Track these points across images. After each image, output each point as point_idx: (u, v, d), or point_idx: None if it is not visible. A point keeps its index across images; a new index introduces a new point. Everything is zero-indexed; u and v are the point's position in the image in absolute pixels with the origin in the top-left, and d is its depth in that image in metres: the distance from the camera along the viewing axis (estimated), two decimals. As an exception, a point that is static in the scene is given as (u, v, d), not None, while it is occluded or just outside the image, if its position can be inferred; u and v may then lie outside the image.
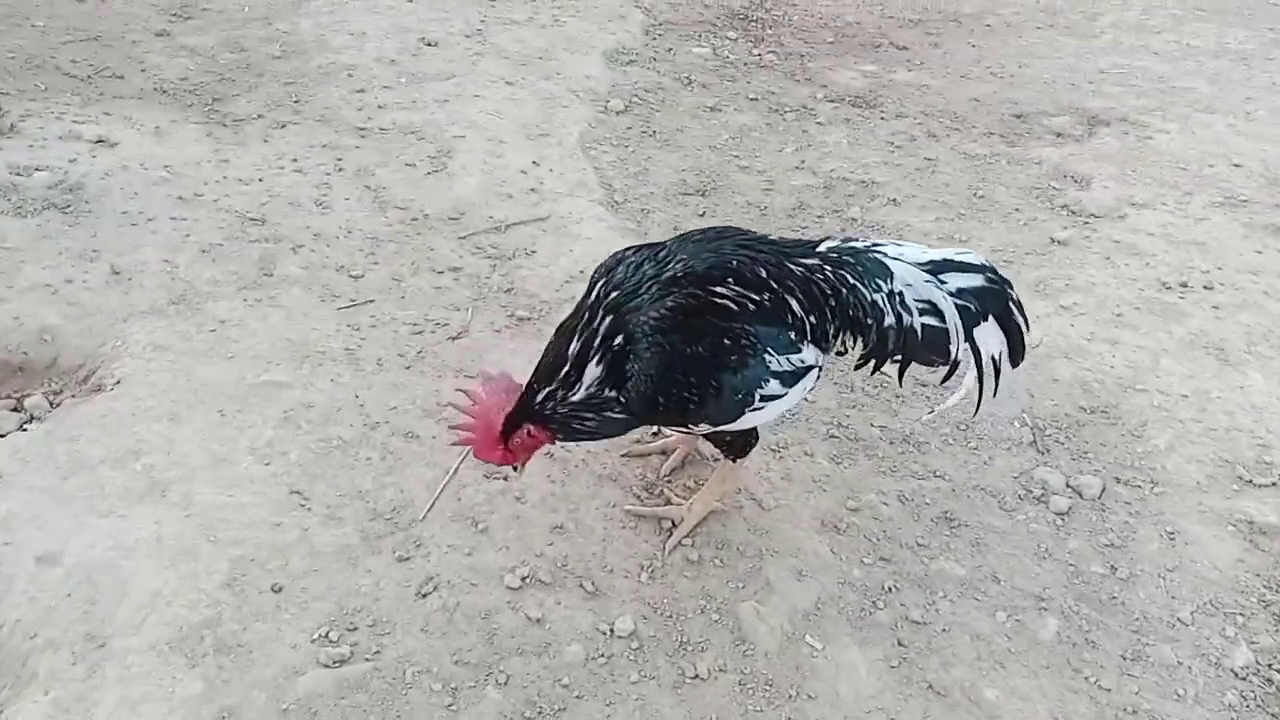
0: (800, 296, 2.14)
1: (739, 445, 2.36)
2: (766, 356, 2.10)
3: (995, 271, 2.28)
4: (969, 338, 2.21)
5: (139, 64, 4.78)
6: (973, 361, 2.23)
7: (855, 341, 2.23)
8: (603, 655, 2.16)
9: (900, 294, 2.18)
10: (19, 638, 2.02)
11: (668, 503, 2.53)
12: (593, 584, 2.32)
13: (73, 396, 2.75)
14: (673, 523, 2.46)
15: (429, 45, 5.29)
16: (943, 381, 2.35)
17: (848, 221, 4.00)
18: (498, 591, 2.27)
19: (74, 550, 2.17)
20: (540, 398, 2.08)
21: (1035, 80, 5.42)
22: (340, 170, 4.00)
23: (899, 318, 2.18)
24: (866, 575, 2.43)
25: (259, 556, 2.24)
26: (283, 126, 4.32)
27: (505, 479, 2.54)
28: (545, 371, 2.10)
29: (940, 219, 4.05)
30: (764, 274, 2.12)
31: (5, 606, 2.07)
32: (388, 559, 2.31)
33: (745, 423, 2.20)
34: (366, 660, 2.06)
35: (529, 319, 3.25)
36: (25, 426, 2.65)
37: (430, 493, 2.50)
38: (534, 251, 3.60)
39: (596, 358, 2.04)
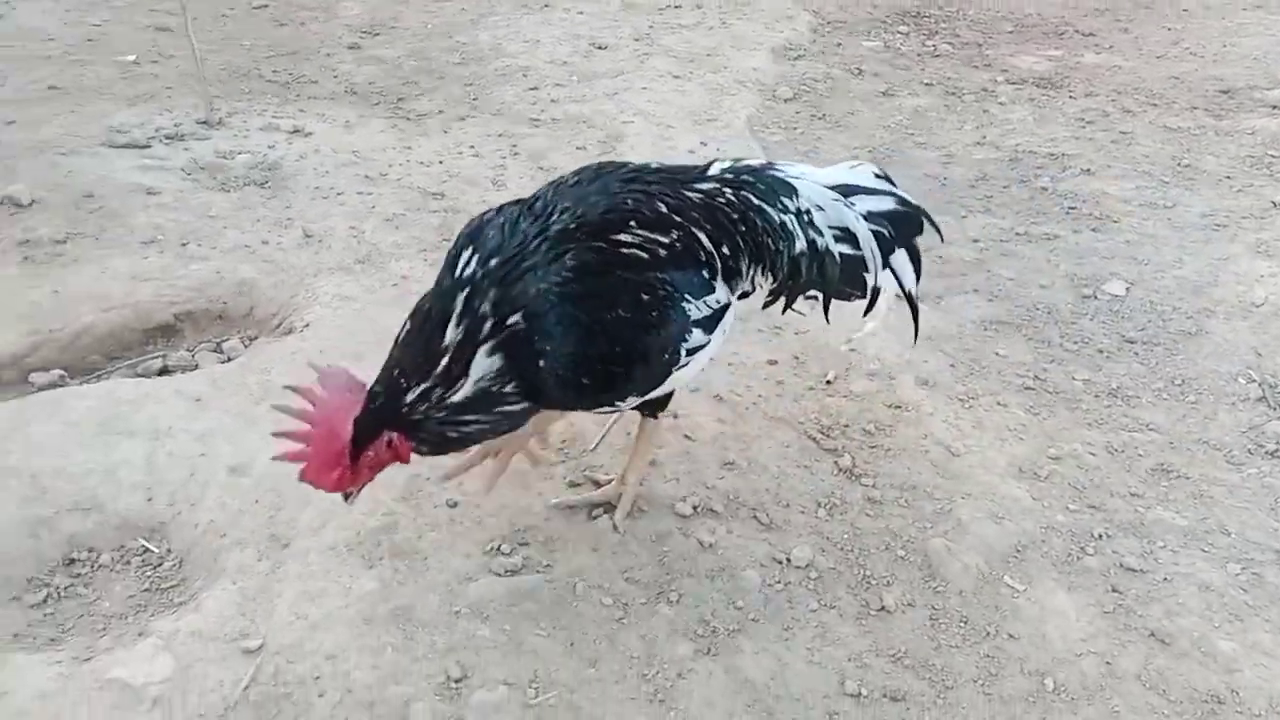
0: (708, 227, 1.83)
1: (662, 401, 2.03)
2: (685, 305, 1.79)
3: (895, 189, 2.03)
4: (886, 266, 1.98)
5: (332, 72, 5.10)
6: (891, 294, 2.00)
7: (765, 275, 1.93)
8: (779, 582, 2.03)
9: (809, 214, 1.90)
10: (211, 536, 2.08)
11: (595, 485, 2.22)
12: (767, 516, 2.20)
13: (265, 338, 2.87)
14: (610, 504, 2.15)
15: (599, 49, 5.40)
16: (865, 314, 2.05)
17: (1037, 191, 3.76)
18: (668, 518, 2.18)
19: (261, 463, 2.24)
20: (411, 398, 1.65)
21: (1243, 58, 5.01)
22: (515, 154, 4.10)
23: (811, 243, 1.89)
24: (1073, 521, 2.20)
25: (434, 474, 2.24)
26: (461, 120, 4.48)
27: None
28: (413, 365, 1.66)
29: (1141, 187, 3.75)
30: (664, 208, 1.79)
31: (200, 510, 2.14)
32: (559, 484, 2.27)
33: (672, 383, 1.89)
34: (538, 572, 2.01)
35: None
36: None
37: (599, 427, 2.45)
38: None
39: (489, 345, 1.65)
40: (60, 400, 2.40)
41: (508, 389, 1.70)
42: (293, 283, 3.06)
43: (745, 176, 1.90)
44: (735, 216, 1.85)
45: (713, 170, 1.93)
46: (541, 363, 1.67)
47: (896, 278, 1.97)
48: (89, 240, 3.20)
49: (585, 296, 1.67)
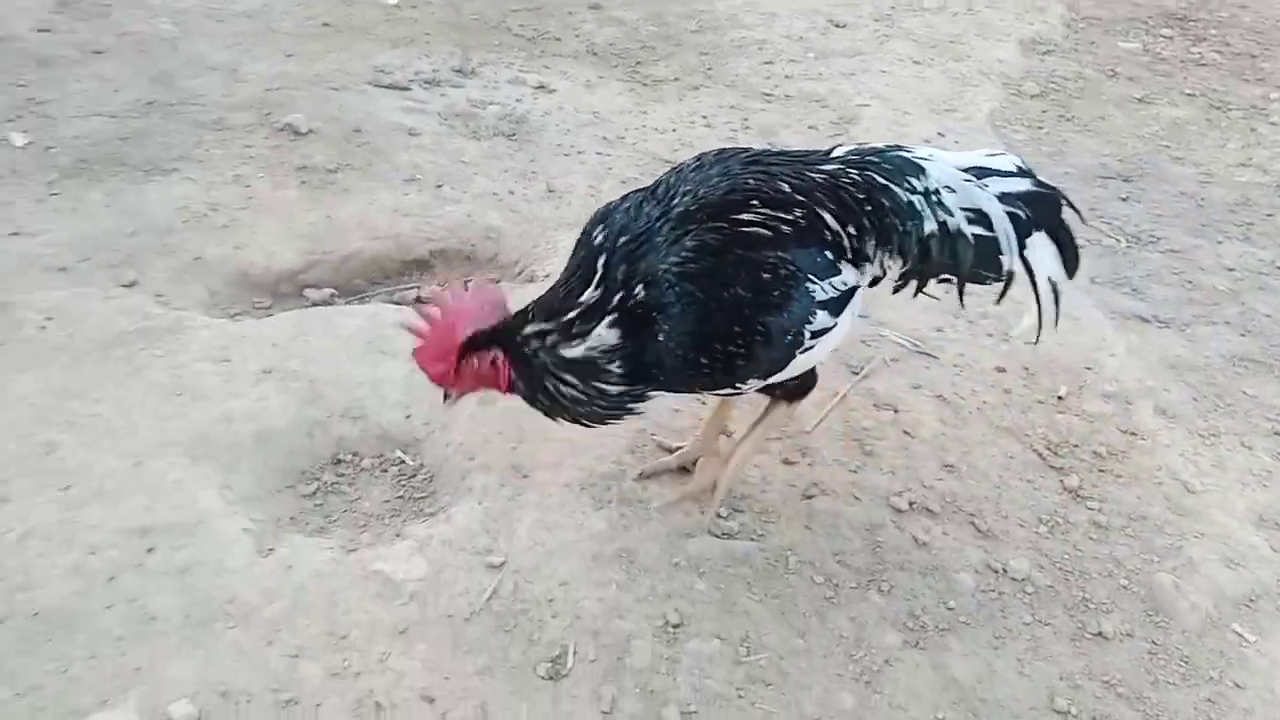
0: (832, 207, 1.80)
1: (797, 386, 2.00)
2: (809, 285, 1.77)
3: (1036, 176, 1.90)
4: (1021, 250, 1.85)
5: (574, 30, 5.27)
6: (1030, 283, 1.87)
7: (894, 257, 1.87)
8: (993, 590, 2.04)
9: (938, 194, 1.82)
10: (460, 458, 2.28)
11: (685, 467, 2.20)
12: (984, 524, 2.20)
13: (508, 284, 3.07)
14: (711, 489, 2.12)
15: (837, 26, 5.35)
16: (998, 300, 1.93)
17: (1311, 223, 3.49)
18: (882, 510, 2.22)
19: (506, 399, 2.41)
20: (530, 330, 1.74)
21: None
22: (746, 128, 4.15)
23: (942, 224, 1.81)
24: (1319, 580, 2.09)
25: (660, 433, 2.36)
26: (696, 89, 4.56)
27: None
28: (548, 306, 1.75)
29: None
30: (788, 188, 1.78)
31: (450, 432, 2.34)
32: (774, 460, 2.34)
33: (796, 367, 1.86)
34: (752, 540, 2.10)
35: (925, 274, 3.16)
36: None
37: (817, 410, 2.50)
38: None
39: (611, 318, 1.70)
40: (332, 317, 2.66)
41: (612, 366, 1.74)
42: (535, 233, 3.24)
43: (870, 158, 1.87)
44: (861, 196, 1.82)
45: (837, 152, 1.91)
46: (660, 339, 1.70)
47: (1029, 265, 1.87)
48: (356, 172, 3.48)
49: (704, 275, 1.70)
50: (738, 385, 1.85)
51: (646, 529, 2.10)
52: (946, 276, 1.89)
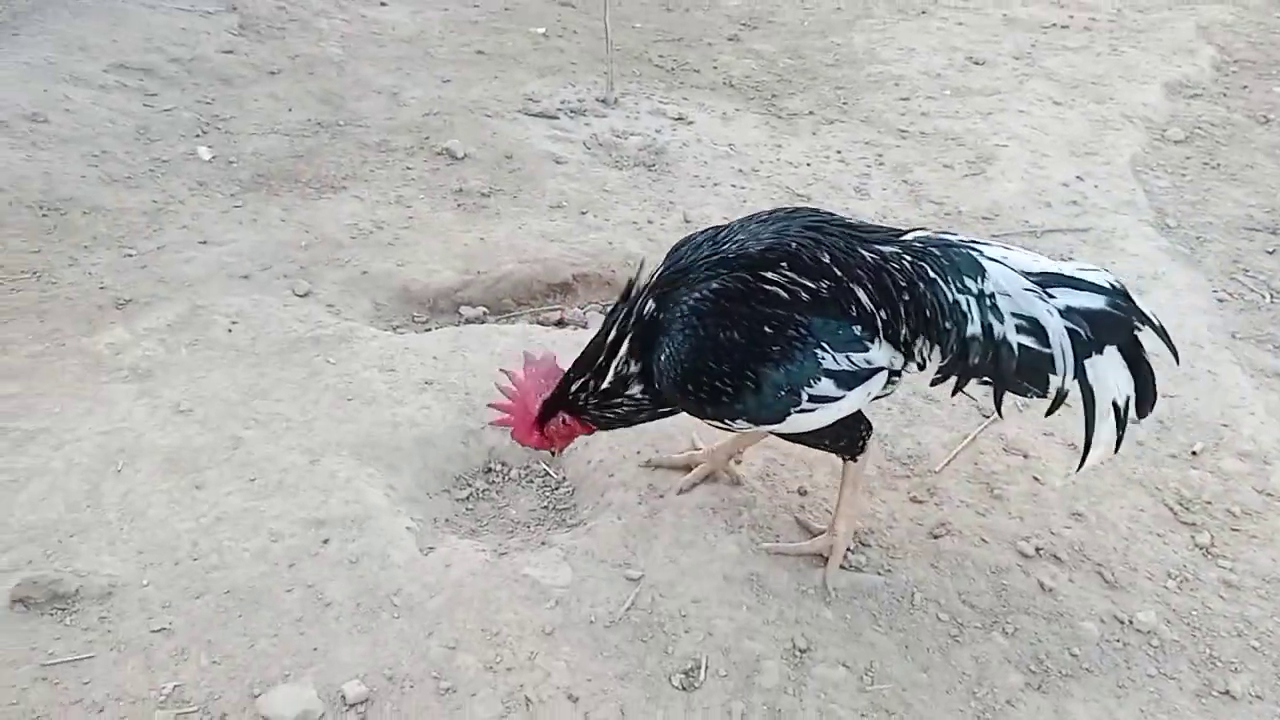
0: (869, 287, 1.82)
1: (841, 443, 2.04)
2: (819, 352, 1.82)
3: (1126, 298, 1.79)
4: (1080, 371, 1.76)
5: (712, 62, 5.42)
6: (1088, 403, 1.78)
7: (932, 350, 1.86)
8: (1118, 641, 2.06)
9: (992, 298, 1.78)
10: (600, 474, 2.42)
11: (809, 533, 2.25)
12: (1111, 574, 2.22)
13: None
14: (823, 556, 2.16)
15: (976, 64, 5.35)
16: (1047, 414, 1.87)
17: None
18: (1009, 554, 2.26)
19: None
20: (574, 388, 2.00)
21: None
22: (880, 164, 4.21)
23: (987, 328, 1.78)
24: None
25: (788, 463, 2.46)
26: (830, 123, 4.64)
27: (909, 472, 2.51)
28: (583, 360, 2.00)
29: None
30: (826, 259, 1.83)
31: (591, 449, 2.49)
32: (902, 497, 2.40)
33: (793, 425, 1.91)
34: (879, 575, 2.17)
35: (1059, 320, 3.16)
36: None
37: (946, 451, 2.56)
38: (1071, 258, 3.49)
39: (629, 340, 1.92)
40: (487, 334, 2.85)
41: (633, 390, 1.98)
42: (672, 260, 3.38)
43: (934, 249, 1.85)
44: (903, 284, 1.83)
45: (909, 236, 1.90)
46: (660, 362, 1.87)
47: (1088, 386, 1.79)
48: (508, 197, 3.70)
49: (712, 315, 1.83)
50: (726, 421, 1.94)
51: (775, 556, 2.20)
52: (988, 380, 1.87)
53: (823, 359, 1.83)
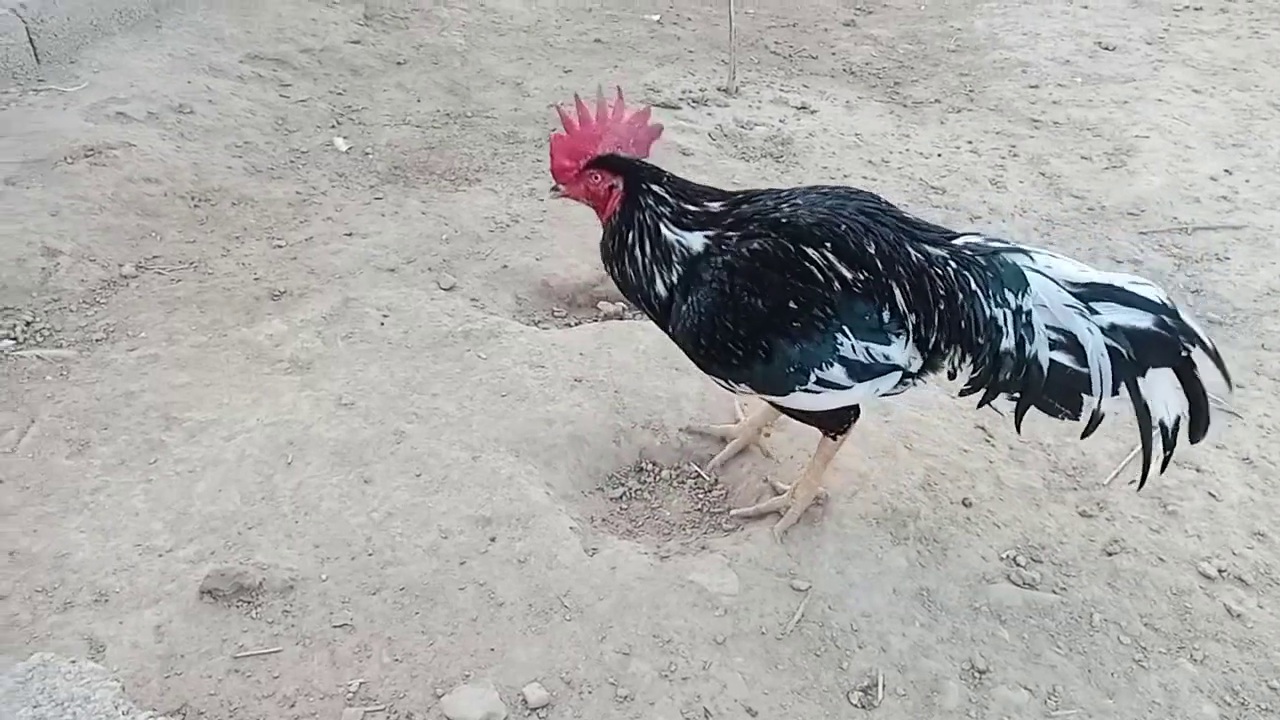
0: (907, 287, 1.77)
1: (833, 424, 2.03)
2: (839, 336, 1.78)
3: (1177, 317, 1.68)
4: (1134, 389, 1.69)
5: (830, 48, 5.32)
6: (1144, 420, 1.71)
7: (965, 360, 1.82)
8: (1318, 673, 1.96)
9: (1029, 314, 1.73)
10: (754, 478, 2.40)
11: (773, 492, 2.25)
12: (1303, 600, 2.11)
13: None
14: (778, 512, 2.18)
15: (1105, 49, 5.15)
16: (1083, 435, 1.79)
17: None
18: (1190, 575, 2.17)
19: (796, 422, 2.52)
20: (655, 188, 1.82)
21: None
22: (1014, 156, 4.08)
23: (1020, 343, 1.73)
24: None
25: (949, 472, 2.40)
26: (958, 111, 4.51)
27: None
28: (681, 186, 1.86)
29: None
30: (871, 250, 1.77)
31: (744, 453, 2.46)
32: (1070, 510, 2.33)
33: (797, 402, 1.88)
34: (1054, 594, 2.11)
35: (1220, 323, 3.03)
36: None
37: (1113, 462, 2.47)
38: (1226, 258, 3.35)
39: (706, 237, 1.82)
40: (631, 331, 2.84)
41: (673, 274, 1.86)
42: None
43: (981, 257, 1.80)
44: (942, 292, 1.78)
45: (959, 240, 1.84)
46: (684, 305, 1.82)
47: (1143, 403, 1.74)
48: (637, 188, 3.67)
49: (744, 275, 1.78)
50: (728, 380, 1.92)
51: (944, 569, 2.15)
52: (1017, 395, 1.83)
53: (840, 345, 1.80)
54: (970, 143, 4.20)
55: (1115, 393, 1.73)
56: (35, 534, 2.13)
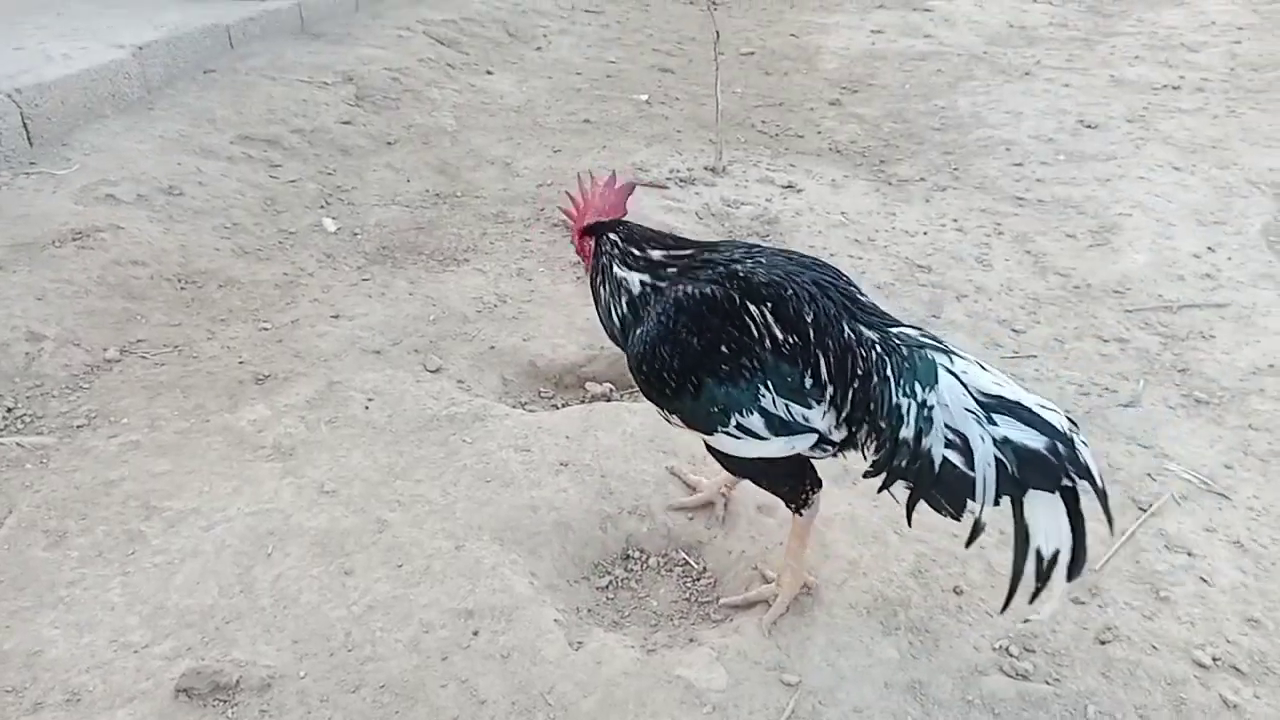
0: (831, 360, 1.86)
1: (783, 489, 2.10)
2: (761, 388, 1.88)
3: (1071, 446, 1.70)
4: (1018, 508, 1.73)
5: (815, 127, 5.42)
6: (1019, 540, 1.75)
7: (868, 441, 1.88)
8: (1320, 769, 1.92)
9: (931, 409, 1.76)
10: (743, 565, 2.37)
11: (762, 580, 2.28)
12: (1302, 692, 2.07)
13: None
14: (767, 602, 2.20)
15: (1088, 127, 5.26)
16: (967, 545, 1.82)
17: None
18: (1184, 664, 2.13)
19: (785, 509, 2.49)
20: (612, 237, 2.07)
21: None
22: (999, 234, 4.13)
23: (918, 434, 1.77)
24: None
25: (939, 559, 2.37)
26: (943, 190, 4.58)
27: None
28: (636, 233, 2.07)
29: None
30: (809, 319, 1.86)
31: (731, 539, 2.44)
32: (1063, 600, 2.29)
33: (720, 443, 2.00)
34: (1047, 684, 2.07)
35: (1206, 402, 3.03)
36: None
37: (1103, 547, 2.44)
38: (1212, 336, 3.36)
39: (643, 280, 2.01)
40: (618, 413, 2.83)
41: (621, 308, 2.05)
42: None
43: (904, 347, 1.85)
44: (860, 371, 1.85)
45: (896, 329, 1.91)
46: (634, 334, 1.99)
47: (1024, 526, 1.75)
48: (625, 267, 3.69)
49: (688, 315, 1.91)
50: (663, 410, 2.04)
51: (936, 660, 2.11)
52: (910, 486, 1.85)
53: (762, 397, 1.89)
54: (955, 221, 4.26)
55: (997, 503, 1.75)
56: (7, 629, 2.08)
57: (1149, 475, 2.68)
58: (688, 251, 2.04)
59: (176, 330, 3.15)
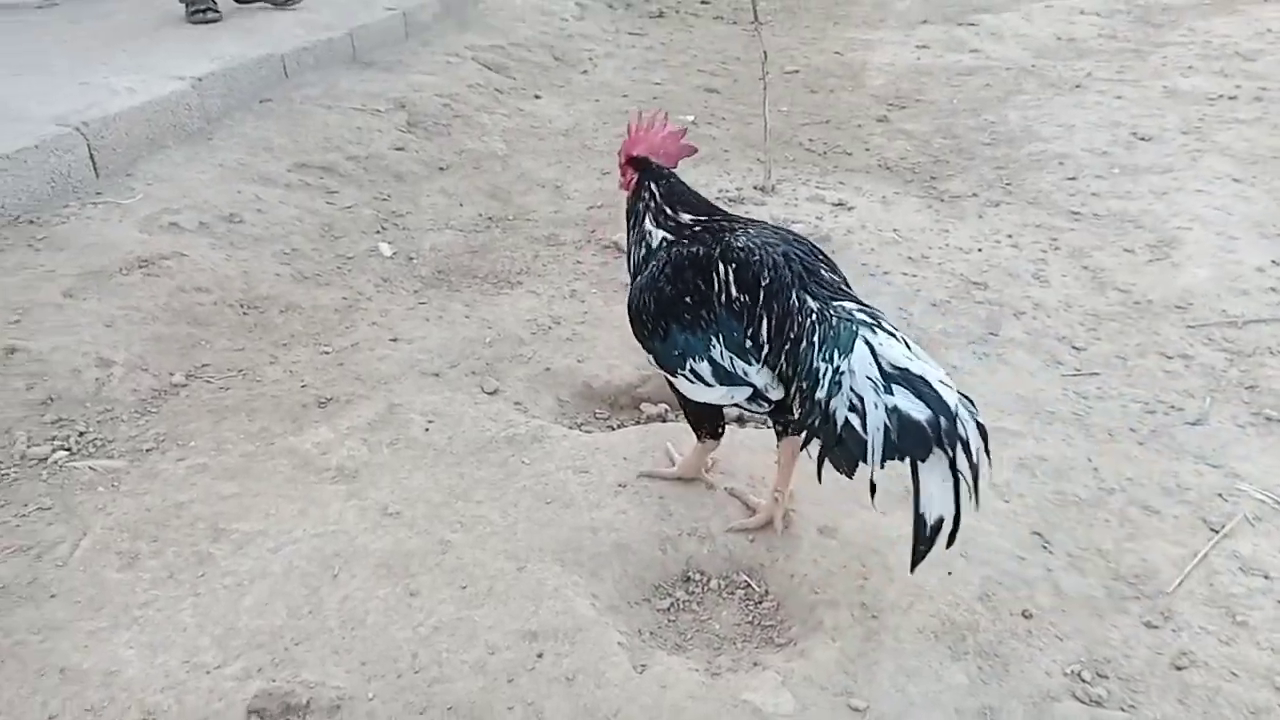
0: (772, 323, 2.07)
1: (701, 426, 2.46)
2: (713, 339, 2.15)
3: (953, 423, 1.82)
4: (914, 474, 1.86)
5: (864, 144, 5.40)
6: (915, 504, 1.88)
7: (793, 400, 2.08)
8: None
9: (841, 375, 1.92)
10: (805, 589, 2.35)
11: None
12: (1390, 720, 2.00)
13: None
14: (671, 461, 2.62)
15: (1142, 140, 5.18)
16: (872, 499, 1.97)
17: None
18: (1266, 691, 2.07)
19: (846, 530, 2.47)
20: (653, 186, 2.29)
21: None
22: (1055, 249, 4.07)
23: (828, 397, 1.94)
24: None
25: (1006, 581, 2.33)
26: (996, 205, 4.53)
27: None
28: (675, 191, 2.29)
29: None
30: (764, 282, 2.08)
31: (794, 561, 2.42)
32: (1134, 621, 2.25)
33: (680, 386, 2.29)
34: (1122, 711, 2.02)
35: (1277, 420, 2.96)
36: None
37: (1175, 568, 2.39)
38: (1271, 352, 3.28)
39: (650, 240, 2.27)
40: (675, 433, 2.83)
41: (640, 254, 2.34)
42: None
43: (836, 315, 2.00)
44: (791, 336, 2.04)
45: (839, 301, 2.04)
46: (638, 278, 2.29)
47: (916, 490, 1.88)
48: (677, 288, 3.70)
49: (672, 268, 2.20)
50: (646, 350, 2.34)
51: (1007, 686, 2.07)
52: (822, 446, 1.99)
53: (712, 347, 2.15)
54: (1010, 236, 4.21)
55: (882, 466, 1.89)
56: (86, 650, 2.12)
57: (1220, 495, 2.62)
58: (712, 219, 2.27)
59: (240, 355, 3.21)
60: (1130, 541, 2.49)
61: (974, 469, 1.87)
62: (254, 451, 2.75)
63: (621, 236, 3.93)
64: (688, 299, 2.17)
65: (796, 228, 4.24)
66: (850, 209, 4.44)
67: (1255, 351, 3.30)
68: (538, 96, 5.90)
